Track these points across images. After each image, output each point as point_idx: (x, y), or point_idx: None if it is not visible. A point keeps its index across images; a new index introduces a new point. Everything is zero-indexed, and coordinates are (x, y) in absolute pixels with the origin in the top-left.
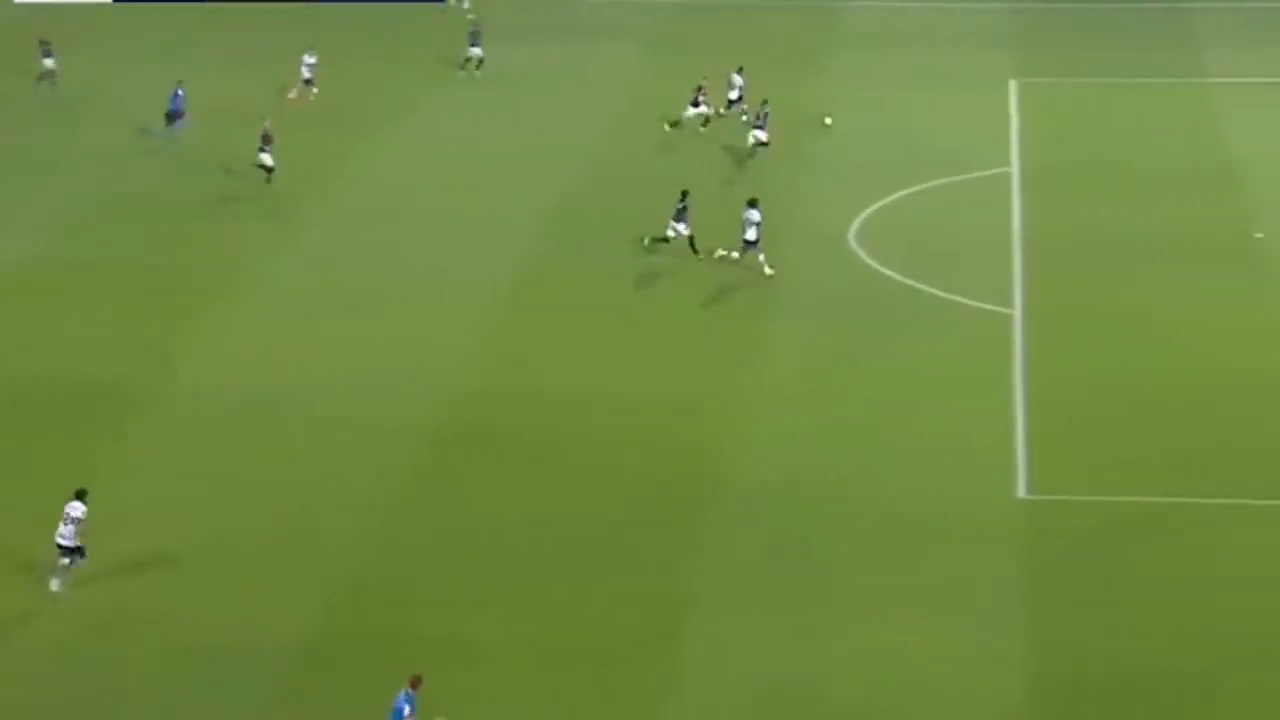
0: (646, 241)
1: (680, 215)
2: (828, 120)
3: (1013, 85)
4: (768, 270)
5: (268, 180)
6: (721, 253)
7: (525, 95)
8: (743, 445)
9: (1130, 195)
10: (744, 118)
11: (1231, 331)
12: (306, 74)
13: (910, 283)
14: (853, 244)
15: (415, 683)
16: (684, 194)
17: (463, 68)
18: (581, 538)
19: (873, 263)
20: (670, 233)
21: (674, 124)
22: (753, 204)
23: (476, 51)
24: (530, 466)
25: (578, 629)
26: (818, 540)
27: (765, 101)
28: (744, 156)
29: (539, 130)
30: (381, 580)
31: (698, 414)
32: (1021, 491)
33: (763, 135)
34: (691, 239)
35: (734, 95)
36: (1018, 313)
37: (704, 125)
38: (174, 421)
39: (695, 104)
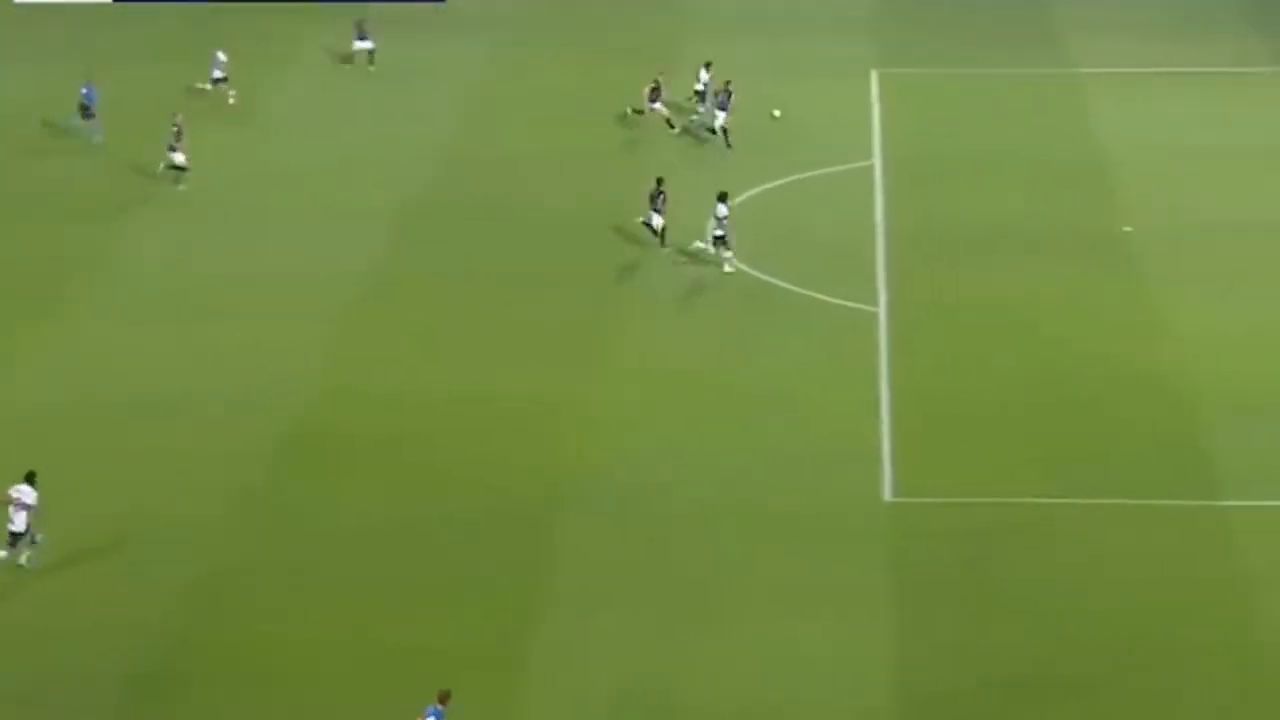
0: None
1: (657, 204)
2: (776, 113)
3: (874, 76)
4: (726, 268)
5: (180, 180)
6: (699, 245)
7: (379, 89)
8: (601, 446)
9: (996, 188)
10: (694, 117)
11: (1101, 327)
12: (218, 73)
13: (771, 280)
14: (705, 241)
15: (444, 698)
16: (659, 181)
17: (350, 61)
18: (436, 541)
19: (728, 259)
20: (657, 220)
21: (637, 111)
22: (722, 198)
23: (365, 45)
24: (383, 469)
25: (430, 633)
26: (679, 543)
27: (729, 82)
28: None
29: (395, 125)
30: (225, 587)
31: (555, 414)
32: (888, 494)
33: (721, 118)
34: (663, 231)
35: (699, 87)
36: (882, 310)
37: (671, 127)
38: (10, 426)
39: (654, 99)
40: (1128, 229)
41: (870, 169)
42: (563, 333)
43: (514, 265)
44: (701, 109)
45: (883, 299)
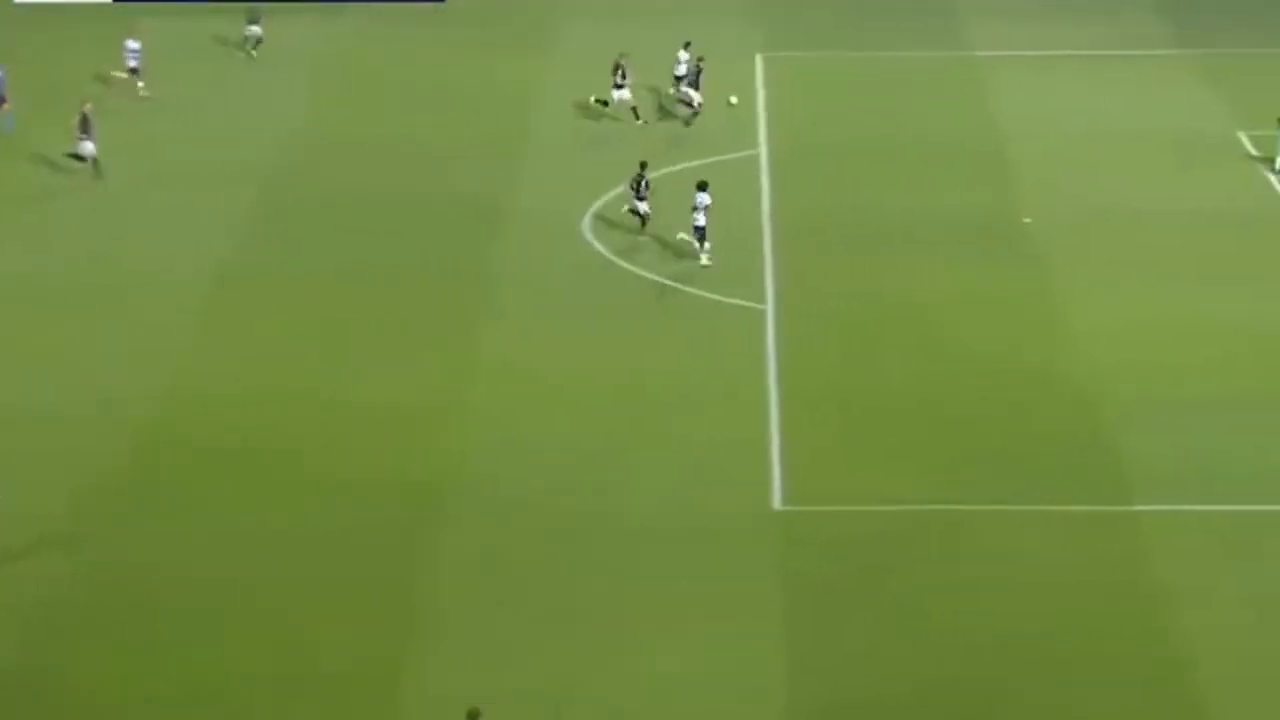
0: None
1: (639, 190)
2: (733, 99)
3: (759, 60)
4: (704, 260)
5: (95, 171)
6: (683, 236)
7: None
8: (474, 452)
9: (889, 177)
10: (672, 90)
11: (1001, 323)
12: (132, 62)
13: (652, 276)
14: (586, 234)
15: (474, 715)
16: (642, 165)
17: (241, 48)
18: (296, 555)
19: (610, 255)
20: (644, 207)
21: (602, 102)
22: (702, 187)
23: (255, 30)
24: (242, 479)
25: (291, 654)
26: (558, 556)
27: (701, 59)
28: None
29: (264, 113)
30: (68, 611)
31: (426, 419)
32: (778, 502)
33: (696, 96)
34: (645, 217)
35: (680, 71)
36: (770, 307)
37: (637, 118)
38: None
39: (619, 85)
40: (1027, 220)
41: (756, 158)
42: (435, 331)
43: (384, 259)
44: (694, 97)
45: (771, 296)
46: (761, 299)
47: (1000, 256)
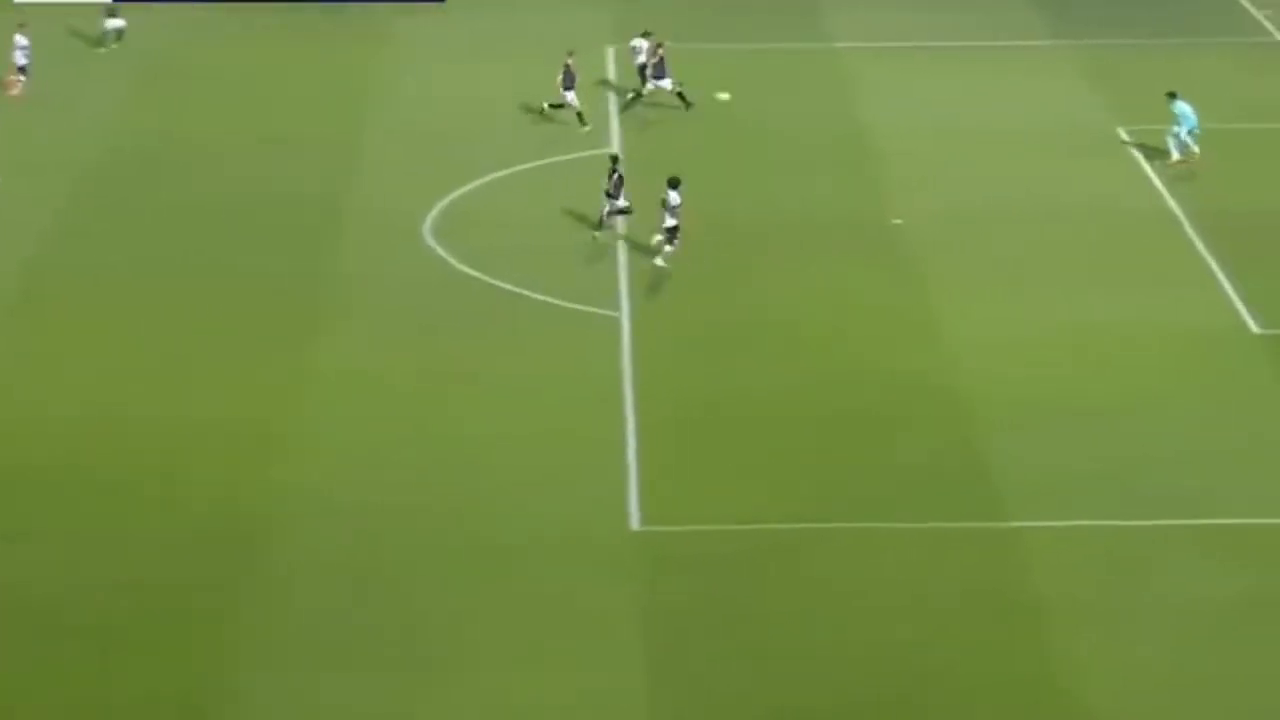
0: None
1: (615, 188)
2: (723, 95)
3: (610, 52)
4: (659, 262)
5: None
6: (658, 238)
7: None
8: (305, 472)
9: (750, 177)
10: (642, 93)
11: (870, 330)
12: (21, 59)
13: (499, 283)
14: (428, 239)
15: None
16: (614, 160)
17: (101, 42)
18: (110, 581)
19: (453, 260)
20: (623, 203)
21: (555, 106)
22: (673, 184)
23: (116, 23)
24: (51, 500)
25: (101, 689)
26: (401, 582)
27: (661, 45)
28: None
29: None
30: None
31: (253, 436)
32: (635, 522)
33: (666, 84)
34: (603, 217)
35: (640, 60)
36: (625, 316)
37: (583, 124)
38: None
39: (568, 85)
40: (897, 221)
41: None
42: (267, 341)
43: (211, 262)
44: (647, 88)
45: (626, 303)
46: (616, 306)
47: (869, 259)
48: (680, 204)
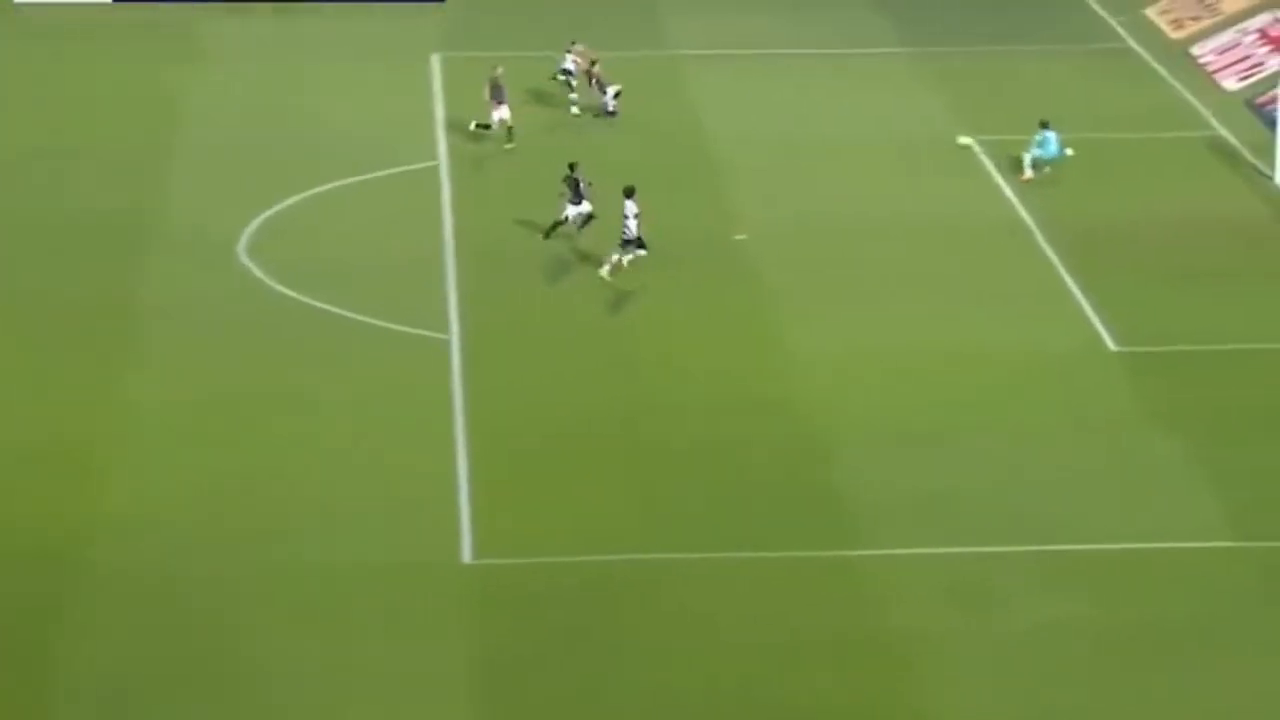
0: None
1: (575, 193)
2: (964, 140)
3: (436, 60)
4: (604, 271)
5: None
6: (616, 258)
7: None
8: (116, 507)
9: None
10: (574, 109)
11: (713, 351)
12: None
13: (320, 305)
14: (243, 257)
15: None
16: (572, 167)
17: None
18: None
19: (270, 281)
20: (569, 213)
21: (483, 126)
22: (630, 195)
23: None
24: None
25: None
26: (219, 616)
27: (595, 62)
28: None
29: None
30: None
31: (59, 470)
32: (467, 555)
33: (610, 100)
34: (554, 225)
35: (567, 67)
36: (455, 337)
37: (509, 140)
38: None
39: (497, 100)
40: (740, 237)
41: (436, 170)
42: (69, 367)
43: (10, 285)
44: (574, 95)
45: (455, 324)
46: (444, 328)
47: (711, 277)
48: (638, 213)
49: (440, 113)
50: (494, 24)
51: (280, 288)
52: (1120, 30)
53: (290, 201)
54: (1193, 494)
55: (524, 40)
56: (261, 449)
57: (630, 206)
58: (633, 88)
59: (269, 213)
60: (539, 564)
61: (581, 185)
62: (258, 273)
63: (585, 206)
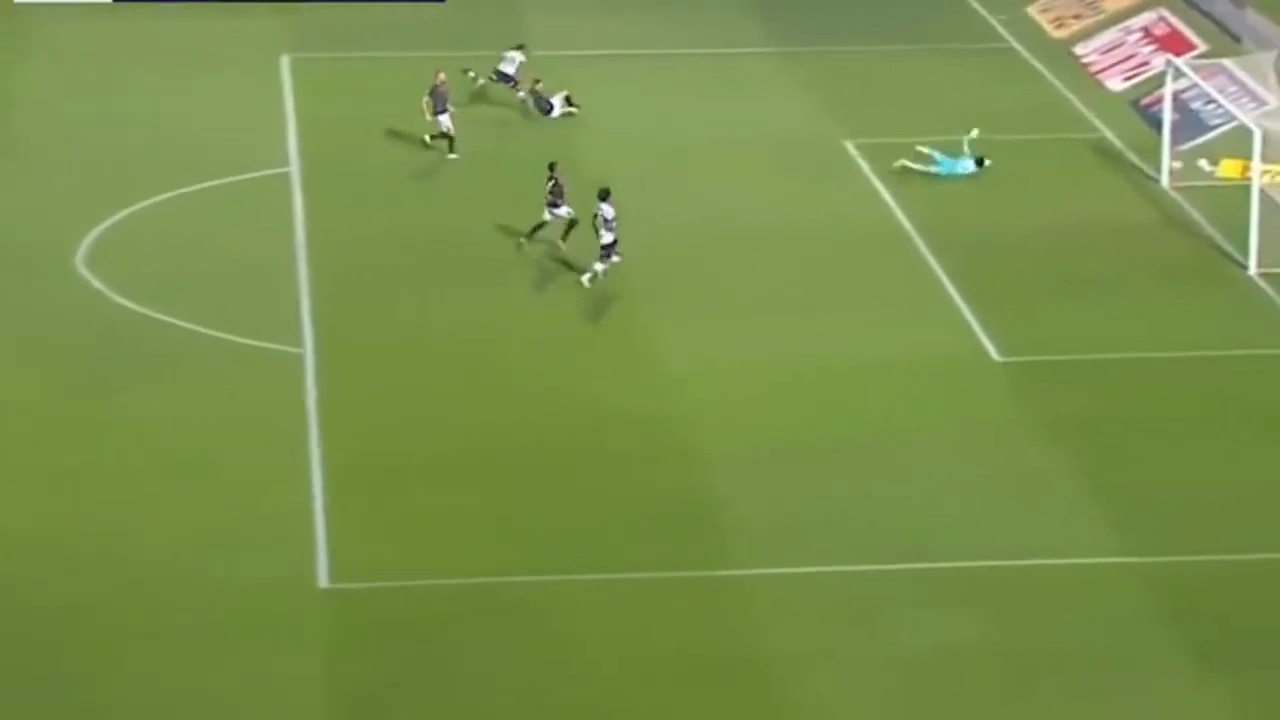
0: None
1: (555, 196)
2: (973, 133)
3: (285, 61)
4: (585, 280)
5: None
6: (602, 268)
7: None
8: None
9: (440, 197)
10: (520, 94)
11: (581, 364)
12: None
13: (164, 318)
14: (81, 269)
15: None
16: (551, 166)
17: None
18: None
19: (111, 293)
20: (548, 217)
21: (436, 137)
22: (604, 197)
23: None
24: None
25: None
26: (56, 645)
27: (538, 81)
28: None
29: None
30: None
31: None
32: (324, 579)
33: (558, 106)
34: (538, 226)
35: (508, 70)
36: (308, 351)
37: (451, 151)
38: None
39: (439, 109)
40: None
41: (288, 176)
42: None
43: None
44: (521, 95)
45: (309, 338)
46: (298, 341)
47: (577, 287)
48: (615, 216)
49: (291, 116)
50: (347, 24)
51: (122, 300)
52: (1000, 29)
53: (132, 209)
54: (1079, 508)
55: (380, 41)
56: (103, 470)
57: (607, 209)
58: (497, 91)
59: (109, 222)
60: (400, 588)
61: (560, 187)
62: (97, 285)
63: (563, 210)
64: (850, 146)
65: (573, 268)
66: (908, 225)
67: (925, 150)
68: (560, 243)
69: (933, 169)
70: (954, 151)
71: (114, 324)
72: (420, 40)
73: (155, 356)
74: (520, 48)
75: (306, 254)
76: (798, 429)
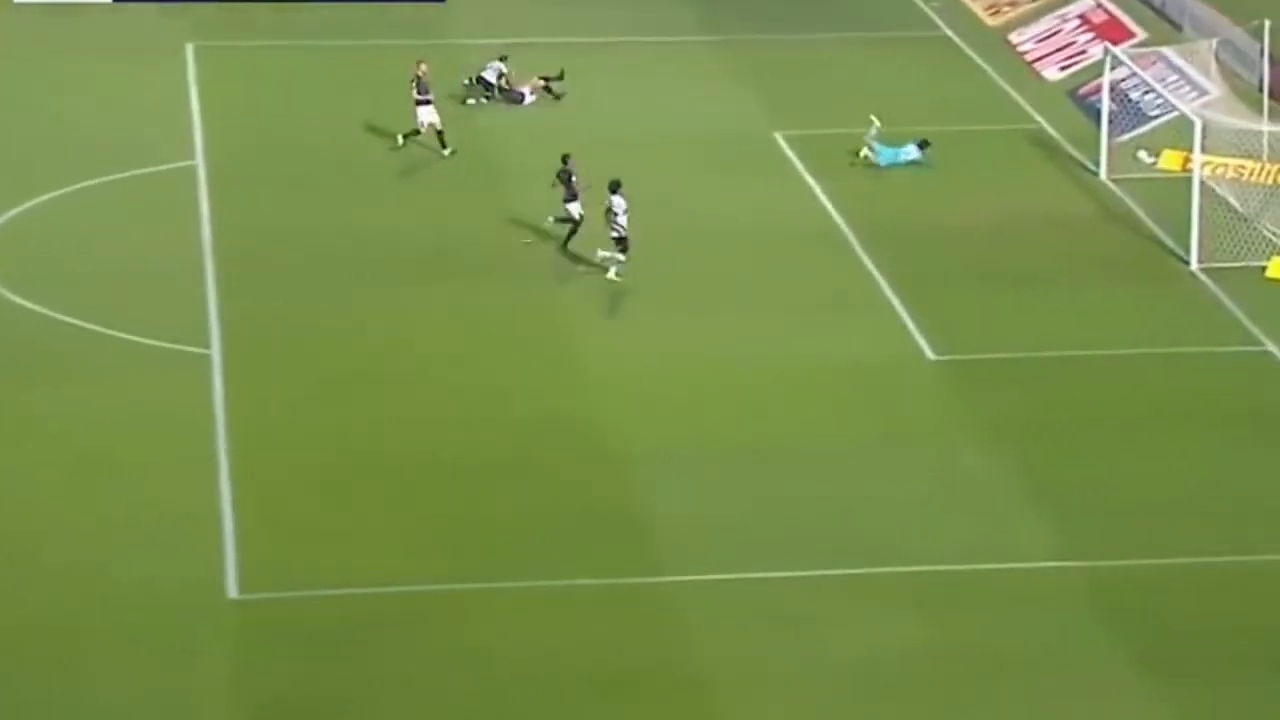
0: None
1: (569, 188)
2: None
3: (190, 50)
4: (611, 274)
5: None
6: (603, 254)
7: None
8: None
9: (356, 191)
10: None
11: (502, 365)
12: None
13: (63, 317)
14: None
15: None
16: (565, 159)
17: None
18: None
19: (7, 292)
20: (574, 213)
21: (415, 132)
22: (615, 189)
23: None
24: None
25: None
26: None
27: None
28: None
29: None
30: None
31: None
32: (233, 589)
33: (529, 95)
34: (571, 227)
35: (488, 77)
36: (216, 352)
37: (443, 146)
38: None
39: (422, 101)
40: (527, 240)
41: (193, 170)
42: None
43: None
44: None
45: (216, 338)
46: (205, 343)
47: (497, 284)
48: (626, 209)
49: (196, 108)
50: (252, 12)
51: (18, 299)
52: (934, 17)
53: (30, 205)
54: (1018, 511)
55: (286, 27)
56: (3, 470)
57: (619, 202)
58: (390, 77)
59: (5, 217)
60: (311, 598)
61: (574, 180)
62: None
63: (576, 206)
64: (780, 138)
65: (582, 260)
66: (839, 220)
67: (866, 149)
68: (554, 225)
69: (875, 160)
70: (894, 141)
71: (12, 325)
72: (326, 28)
73: (56, 358)
74: (504, 59)
75: (213, 251)
76: (729, 432)
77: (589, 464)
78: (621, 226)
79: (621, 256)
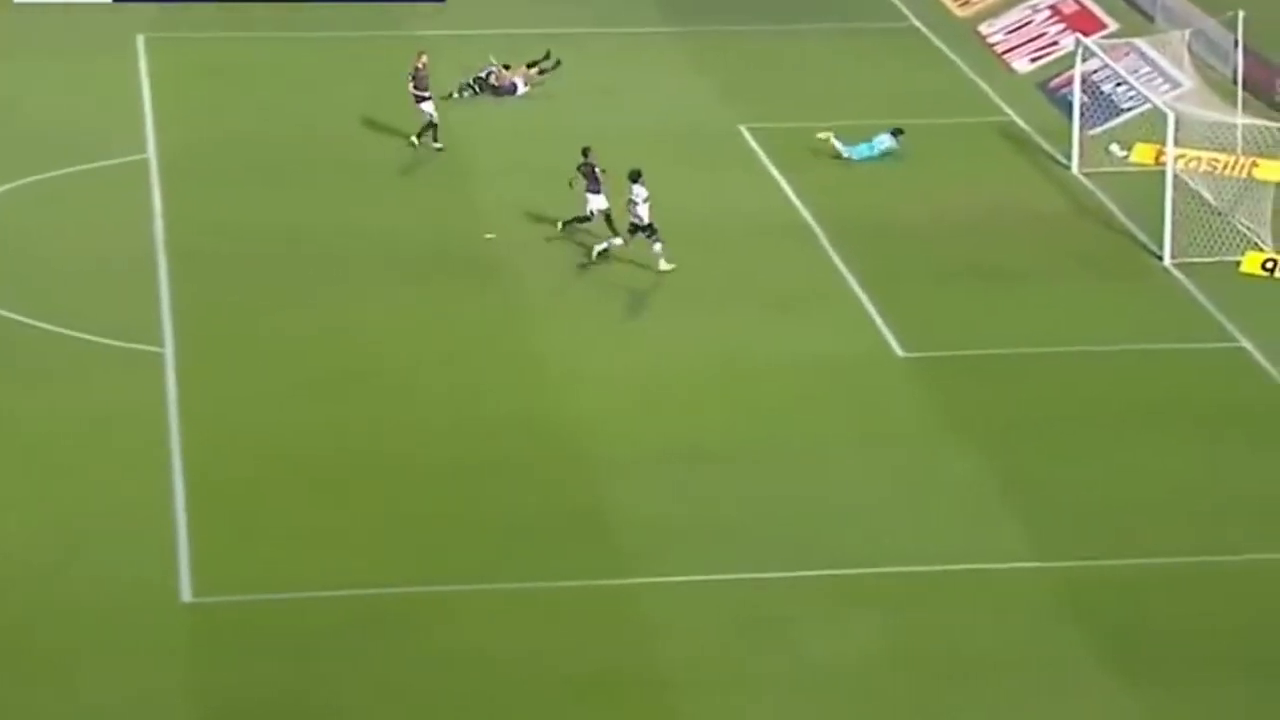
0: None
1: (593, 181)
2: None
3: (141, 42)
4: (663, 265)
5: None
6: (617, 241)
7: None
8: None
9: (313, 187)
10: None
11: (465, 364)
12: None
13: (12, 315)
14: None
15: None
16: (585, 152)
17: None
18: None
19: None
20: (592, 206)
21: (421, 133)
22: (636, 178)
23: None
24: None
25: None
26: None
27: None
28: None
29: None
30: None
31: None
32: (187, 593)
33: (523, 85)
34: (608, 222)
35: (482, 74)
36: (169, 351)
37: (435, 141)
38: None
39: (421, 97)
40: (489, 236)
41: (145, 164)
42: None
43: None
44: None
45: (170, 337)
46: (158, 340)
47: (459, 282)
48: (647, 198)
49: (148, 100)
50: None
51: None
52: (902, 7)
53: None
54: (989, 511)
55: (239, 19)
56: None
57: (640, 191)
58: (375, 76)
59: None
60: (267, 602)
61: (598, 172)
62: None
63: (602, 200)
64: (745, 131)
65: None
66: (806, 214)
67: (838, 147)
68: (561, 228)
69: (847, 155)
70: (864, 136)
71: None
72: (283, 20)
73: (4, 357)
74: (507, 67)
75: (166, 246)
76: (696, 431)
77: (554, 465)
78: (641, 216)
79: (658, 247)
